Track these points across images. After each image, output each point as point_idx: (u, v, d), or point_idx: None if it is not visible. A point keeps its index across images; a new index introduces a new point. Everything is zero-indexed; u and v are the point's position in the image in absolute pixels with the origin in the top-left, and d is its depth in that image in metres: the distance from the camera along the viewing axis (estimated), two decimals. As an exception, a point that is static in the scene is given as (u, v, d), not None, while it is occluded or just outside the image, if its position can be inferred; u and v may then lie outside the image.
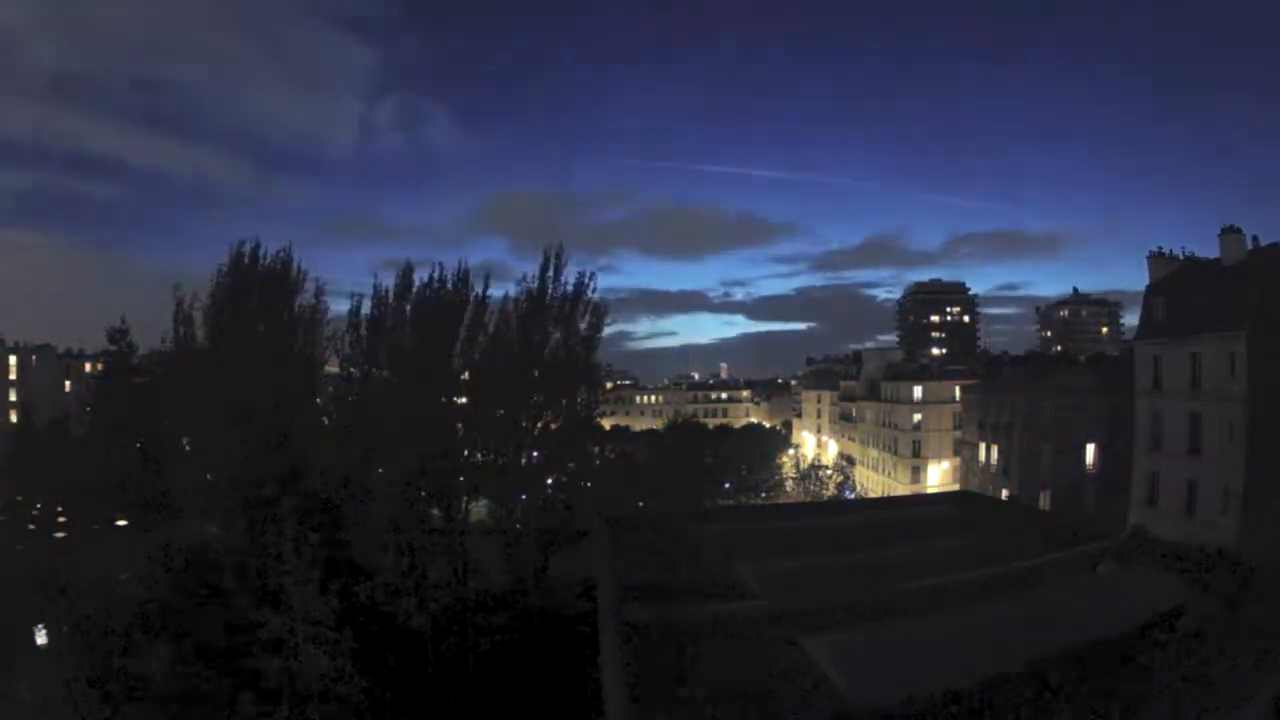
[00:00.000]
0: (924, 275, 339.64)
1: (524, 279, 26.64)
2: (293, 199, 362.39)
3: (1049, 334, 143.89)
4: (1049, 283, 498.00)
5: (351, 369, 26.60)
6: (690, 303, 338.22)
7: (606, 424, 60.34)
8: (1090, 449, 46.85)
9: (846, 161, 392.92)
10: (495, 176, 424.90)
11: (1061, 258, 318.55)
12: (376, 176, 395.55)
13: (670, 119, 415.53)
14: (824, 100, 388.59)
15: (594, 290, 26.50)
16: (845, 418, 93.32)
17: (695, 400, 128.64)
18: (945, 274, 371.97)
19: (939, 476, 68.78)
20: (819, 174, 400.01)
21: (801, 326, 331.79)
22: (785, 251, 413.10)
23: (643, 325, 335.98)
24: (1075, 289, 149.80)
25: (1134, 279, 44.02)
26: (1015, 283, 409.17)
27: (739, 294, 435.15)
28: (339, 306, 30.10)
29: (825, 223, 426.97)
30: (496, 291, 27.09)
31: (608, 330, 27.19)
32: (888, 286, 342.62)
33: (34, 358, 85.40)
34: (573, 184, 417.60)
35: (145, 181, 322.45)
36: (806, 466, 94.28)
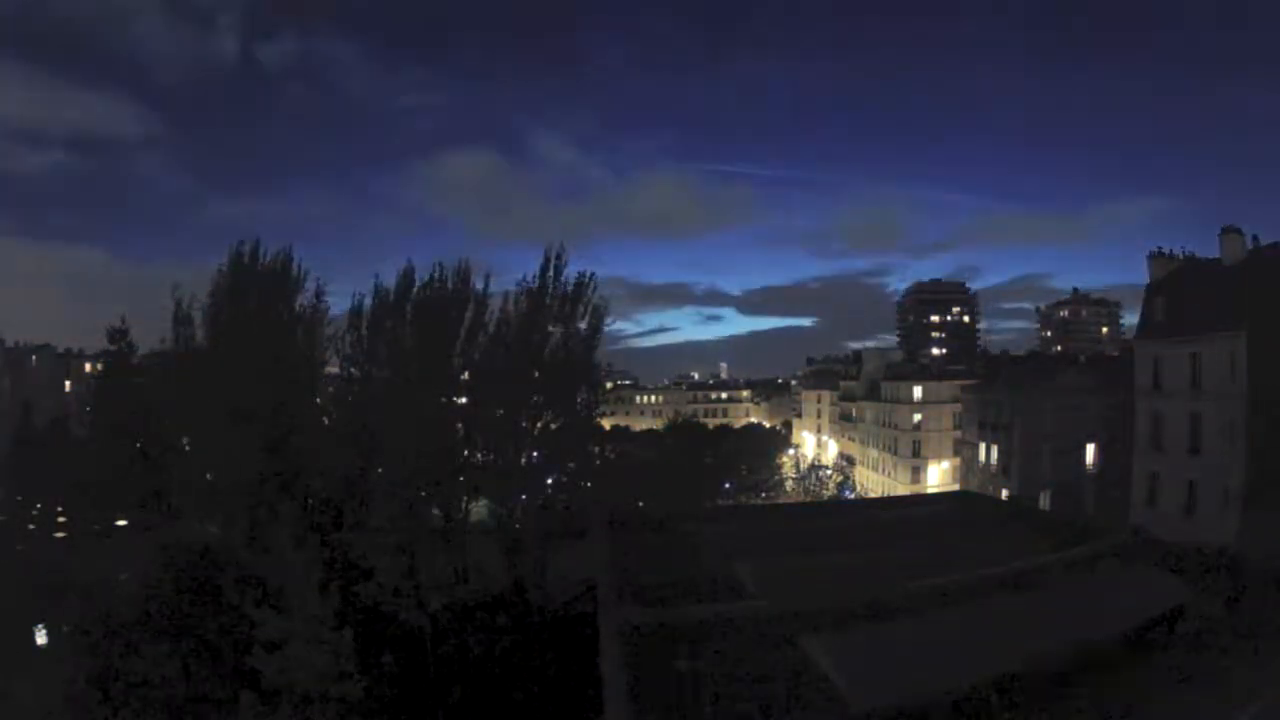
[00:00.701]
0: (936, 264, 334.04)
1: (524, 279, 26.64)
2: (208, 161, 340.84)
3: (1049, 334, 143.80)
4: (1073, 275, 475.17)
5: (351, 369, 26.57)
6: (675, 295, 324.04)
7: (606, 424, 60.31)
8: (1090, 449, 46.86)
9: (845, 157, 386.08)
10: (436, 139, 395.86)
11: (1077, 250, 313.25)
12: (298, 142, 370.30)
13: (647, 108, 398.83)
14: (823, 97, 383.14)
15: (594, 290, 26.50)
16: (845, 418, 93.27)
17: (695, 400, 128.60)
18: (960, 262, 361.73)
19: (939, 476, 68.74)
20: (816, 171, 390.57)
21: (805, 323, 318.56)
22: (778, 237, 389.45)
23: (631, 322, 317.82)
24: (1075, 289, 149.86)
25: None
26: (1036, 274, 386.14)
27: (728, 285, 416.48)
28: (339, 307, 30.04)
29: (823, 217, 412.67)
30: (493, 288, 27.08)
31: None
32: (898, 275, 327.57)
33: (34, 358, 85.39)
34: (528, 157, 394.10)
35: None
36: (806, 466, 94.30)
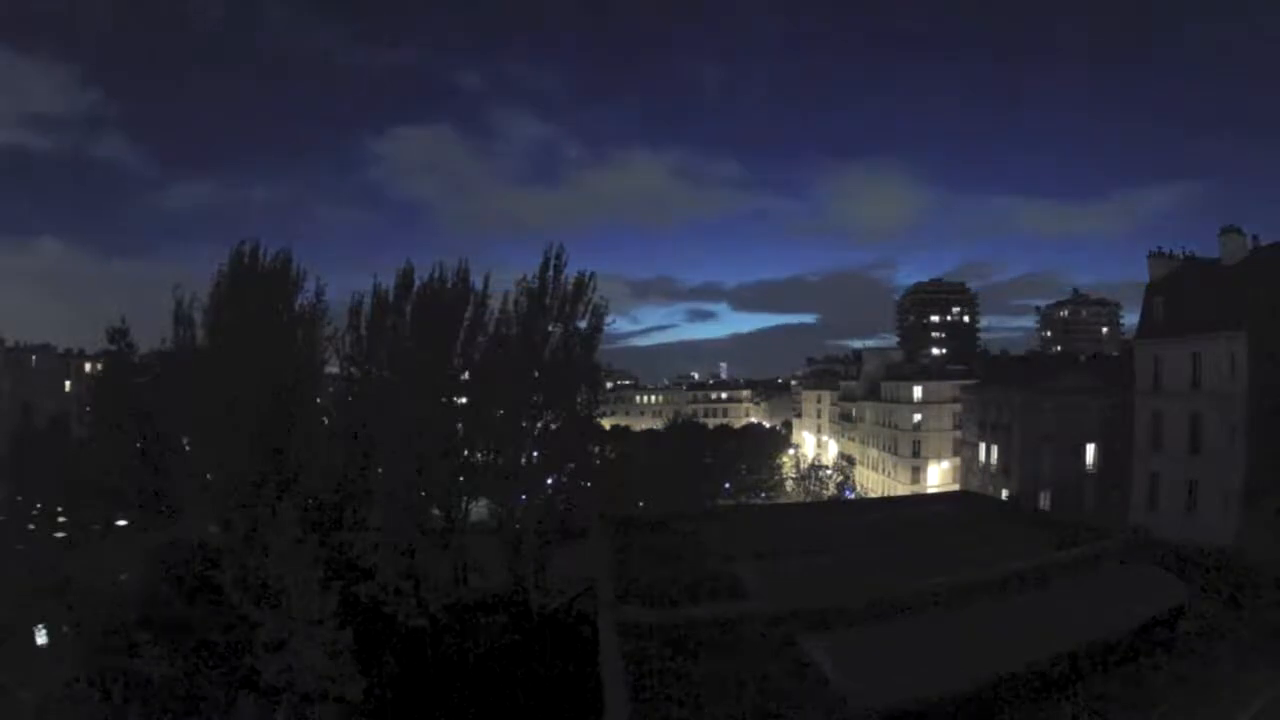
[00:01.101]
0: (942, 258, 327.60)
1: (524, 278, 26.64)
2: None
3: (1049, 334, 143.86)
4: (1087, 271, 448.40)
5: (351, 369, 26.57)
6: (665, 290, 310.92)
7: (606, 424, 60.42)
8: (1090, 449, 46.88)
9: (846, 144, 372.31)
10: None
11: (1090, 243, 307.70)
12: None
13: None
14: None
15: (594, 289, 26.49)
16: (845, 418, 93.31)
17: (695, 400, 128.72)
18: (969, 256, 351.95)
19: (939, 476, 68.79)
20: (816, 160, 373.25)
21: (808, 320, 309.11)
22: (776, 229, 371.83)
23: (627, 319, 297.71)
24: (1075, 289, 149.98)
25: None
26: (1048, 270, 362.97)
27: (721, 279, 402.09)
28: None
29: (824, 209, 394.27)
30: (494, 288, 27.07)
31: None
32: (903, 269, 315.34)
33: (34, 358, 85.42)
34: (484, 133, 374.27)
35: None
36: (806, 466, 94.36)
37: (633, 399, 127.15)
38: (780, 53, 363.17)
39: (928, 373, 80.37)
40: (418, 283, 26.48)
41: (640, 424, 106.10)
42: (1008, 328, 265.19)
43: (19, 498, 39.03)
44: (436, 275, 26.52)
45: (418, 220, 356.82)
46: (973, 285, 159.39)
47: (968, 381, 67.48)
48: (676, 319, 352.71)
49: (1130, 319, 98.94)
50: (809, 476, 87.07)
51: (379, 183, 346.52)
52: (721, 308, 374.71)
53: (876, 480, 77.92)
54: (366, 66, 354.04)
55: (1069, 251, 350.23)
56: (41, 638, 26.54)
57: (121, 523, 27.80)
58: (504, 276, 27.40)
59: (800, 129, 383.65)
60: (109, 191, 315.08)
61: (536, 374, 25.76)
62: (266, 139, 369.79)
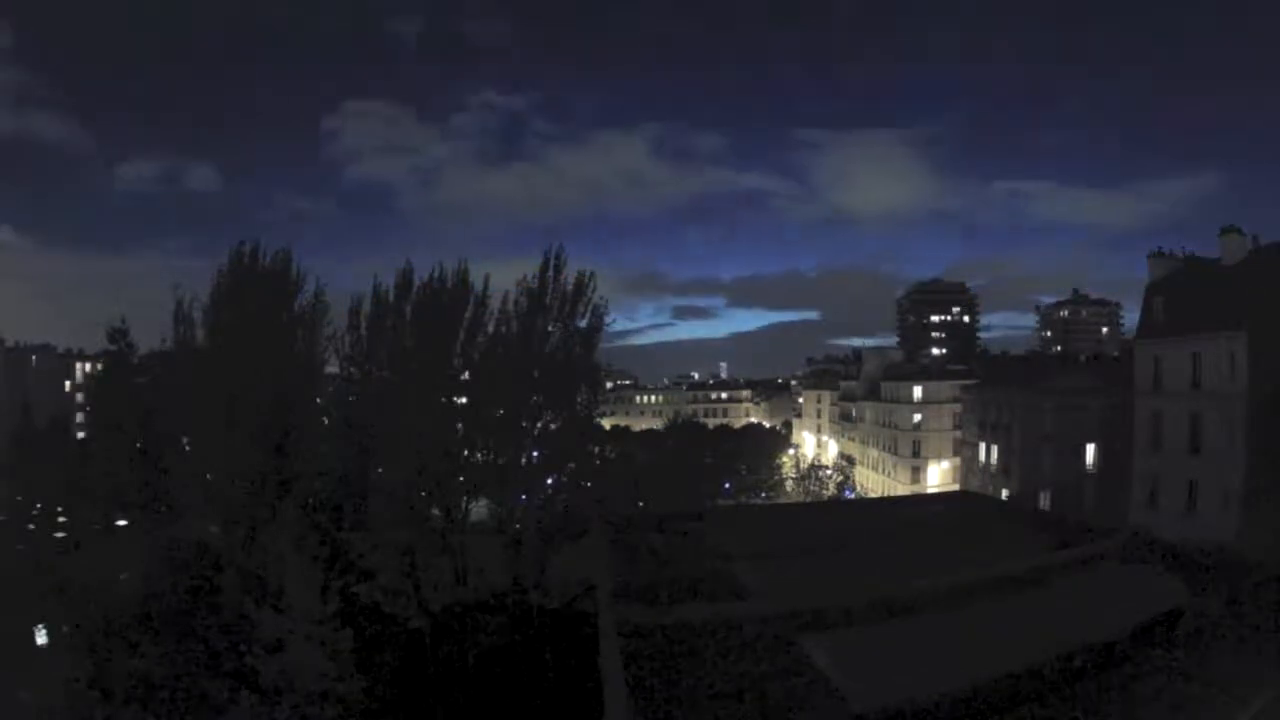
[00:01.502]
0: (951, 252, 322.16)
1: (524, 278, 26.63)
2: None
3: (1049, 334, 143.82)
4: (1103, 266, 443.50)
5: (351, 369, 26.58)
6: (655, 285, 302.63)
7: (607, 424, 60.42)
8: (1090, 449, 46.86)
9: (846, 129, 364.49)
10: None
11: (1108, 237, 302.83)
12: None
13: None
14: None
15: (594, 289, 26.47)
16: (845, 418, 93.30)
17: (695, 400, 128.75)
18: (980, 251, 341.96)
19: (939, 476, 68.78)
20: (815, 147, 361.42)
21: (812, 316, 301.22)
22: (776, 221, 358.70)
23: (626, 317, 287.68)
24: (1075, 290, 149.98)
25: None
26: (1066, 264, 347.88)
27: (716, 272, 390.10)
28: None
29: (824, 199, 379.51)
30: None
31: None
32: (911, 263, 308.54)
33: (34, 358, 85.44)
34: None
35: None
36: (806, 466, 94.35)
37: (633, 399, 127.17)
38: (777, 49, 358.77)
39: (928, 373, 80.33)
40: (417, 282, 26.50)
41: (640, 424, 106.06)
42: (1017, 325, 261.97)
43: (19, 498, 39.01)
44: (436, 275, 26.52)
45: (377, 200, 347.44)
46: (983, 281, 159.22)
47: (968, 381, 67.48)
48: (668, 315, 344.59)
49: (1132, 319, 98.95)
50: (809, 476, 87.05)
51: (336, 162, 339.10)
52: (718, 302, 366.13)
53: (876, 480, 77.89)
54: (317, 39, 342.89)
55: (1082, 246, 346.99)
56: (41, 638, 26.54)
57: (121, 523, 27.79)
58: (476, 264, 26.80)
59: (800, 113, 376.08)
60: (54, 177, 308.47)
61: (536, 374, 25.75)
62: (218, 122, 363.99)
